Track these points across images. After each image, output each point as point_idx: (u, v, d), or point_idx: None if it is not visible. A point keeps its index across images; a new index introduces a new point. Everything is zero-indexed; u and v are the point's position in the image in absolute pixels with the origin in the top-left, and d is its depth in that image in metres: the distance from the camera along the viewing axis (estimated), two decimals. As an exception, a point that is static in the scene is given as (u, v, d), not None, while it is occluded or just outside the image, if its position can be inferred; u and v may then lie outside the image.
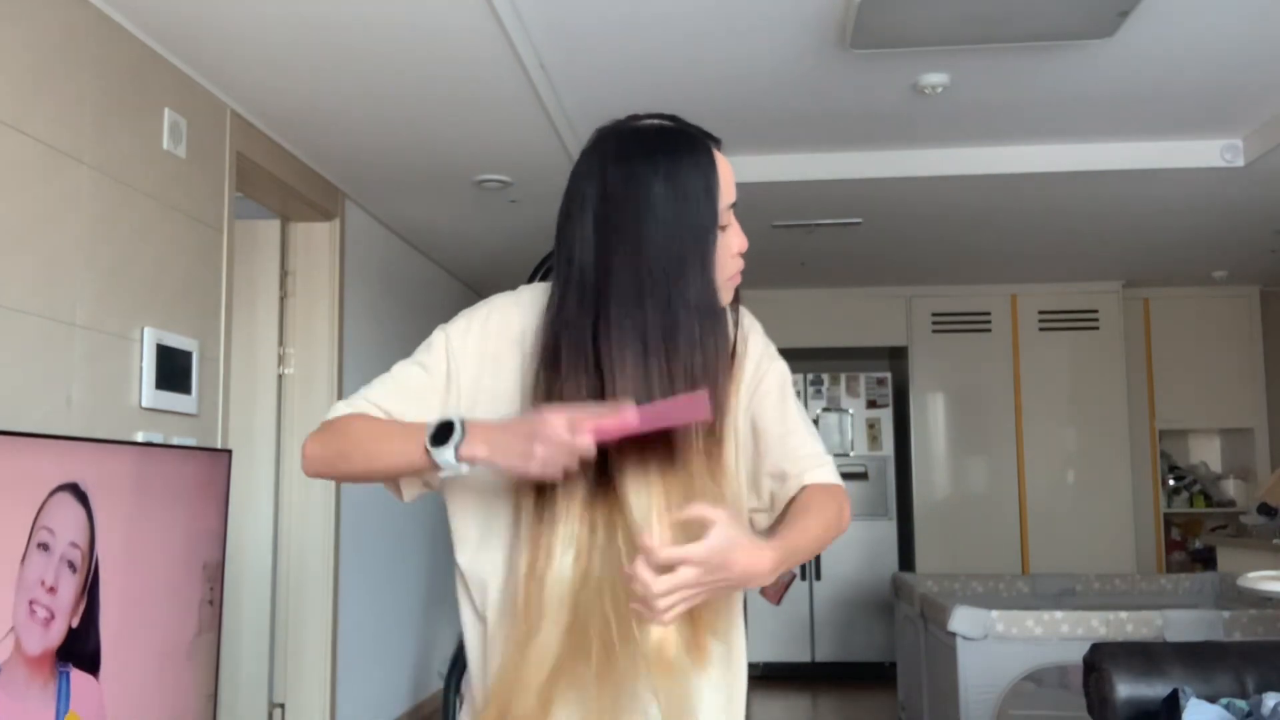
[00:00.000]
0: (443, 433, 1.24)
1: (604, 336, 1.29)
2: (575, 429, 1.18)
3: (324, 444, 1.33)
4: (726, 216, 1.37)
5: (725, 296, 1.37)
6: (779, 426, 1.39)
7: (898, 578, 5.25)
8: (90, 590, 2.27)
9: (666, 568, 1.13)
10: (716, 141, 1.42)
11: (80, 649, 2.23)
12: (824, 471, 1.38)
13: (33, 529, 2.10)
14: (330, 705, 4.33)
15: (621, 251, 1.30)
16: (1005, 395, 6.82)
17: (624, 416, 1.18)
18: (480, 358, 1.39)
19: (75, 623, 2.21)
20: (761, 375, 1.42)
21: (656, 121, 1.39)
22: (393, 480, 1.37)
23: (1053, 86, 3.66)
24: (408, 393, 1.38)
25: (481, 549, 1.36)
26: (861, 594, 6.72)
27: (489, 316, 1.42)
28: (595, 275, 1.31)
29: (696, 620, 1.29)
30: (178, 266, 3.21)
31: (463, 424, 1.24)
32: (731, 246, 1.38)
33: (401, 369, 1.41)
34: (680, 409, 1.22)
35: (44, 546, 2.12)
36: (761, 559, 1.20)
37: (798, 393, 6.70)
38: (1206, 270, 6.46)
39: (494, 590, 1.34)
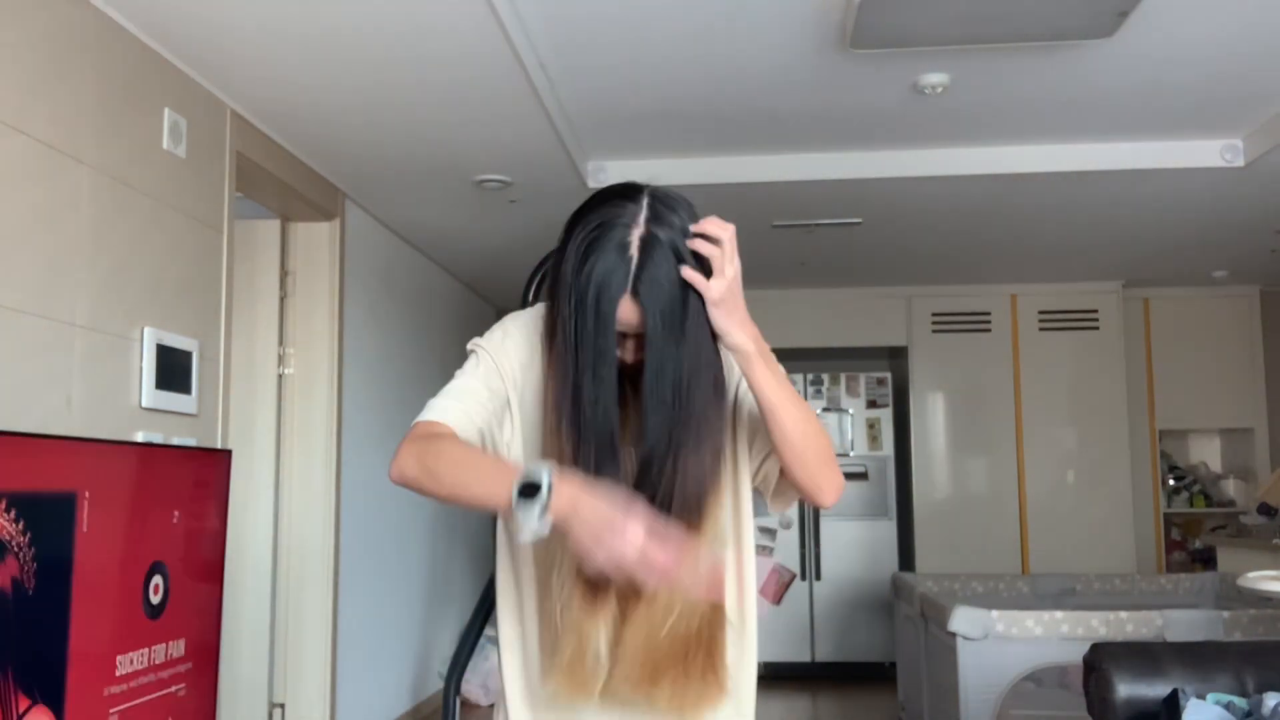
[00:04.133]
0: (530, 489, 1.22)
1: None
2: (649, 551, 1.18)
3: (418, 457, 1.31)
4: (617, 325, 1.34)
5: None
6: None
7: (898, 578, 5.25)
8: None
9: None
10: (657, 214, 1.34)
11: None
12: None
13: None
14: (330, 705, 4.33)
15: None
16: (1005, 395, 6.82)
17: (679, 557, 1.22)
18: (513, 363, 1.46)
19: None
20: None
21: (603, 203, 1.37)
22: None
23: (1053, 86, 3.66)
24: (478, 397, 1.42)
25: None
26: (861, 594, 6.72)
27: (505, 338, 1.47)
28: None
29: (715, 651, 1.35)
30: (178, 266, 3.21)
31: (550, 485, 1.22)
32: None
33: (462, 381, 1.43)
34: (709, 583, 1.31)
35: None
36: (752, 323, 1.34)
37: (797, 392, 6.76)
38: (1206, 270, 6.46)
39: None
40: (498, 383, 1.43)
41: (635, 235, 1.30)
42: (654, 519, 1.22)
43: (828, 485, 1.39)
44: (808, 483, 1.38)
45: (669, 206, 1.33)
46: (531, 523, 1.20)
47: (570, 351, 1.32)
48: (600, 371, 1.32)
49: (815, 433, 1.38)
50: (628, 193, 1.35)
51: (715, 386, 1.37)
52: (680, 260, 1.31)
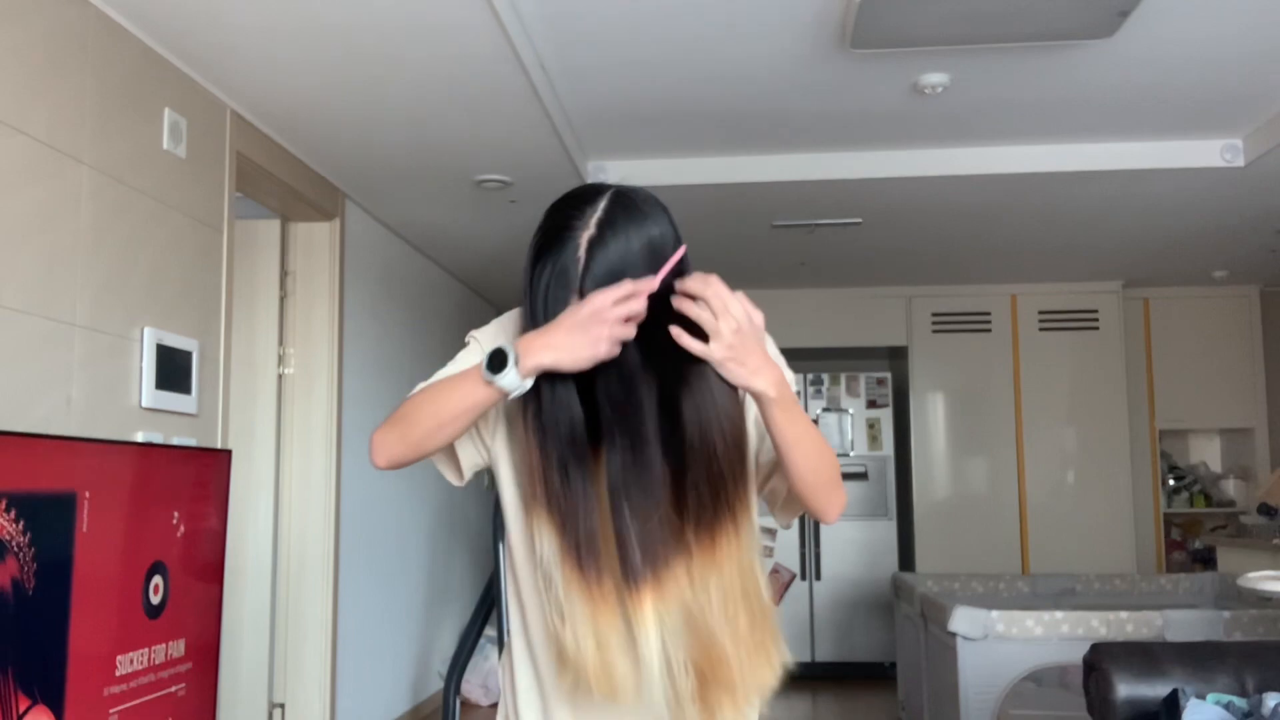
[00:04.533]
0: (497, 360, 1.28)
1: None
2: (622, 302, 1.26)
3: (390, 423, 1.37)
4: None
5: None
6: None
7: (898, 578, 5.25)
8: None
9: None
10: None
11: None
12: None
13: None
14: (330, 705, 4.33)
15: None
16: (1005, 395, 6.82)
17: (650, 284, 1.30)
18: None
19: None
20: None
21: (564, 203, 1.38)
22: (451, 451, 1.44)
23: (1053, 86, 3.66)
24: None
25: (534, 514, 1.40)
26: (861, 594, 6.72)
27: (499, 331, 1.48)
28: None
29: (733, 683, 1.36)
30: (178, 266, 3.21)
31: (513, 347, 1.29)
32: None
33: (450, 367, 1.46)
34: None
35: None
36: (772, 364, 1.30)
37: (798, 393, 6.75)
38: (1206, 270, 6.46)
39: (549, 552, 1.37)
40: None
41: (585, 237, 1.30)
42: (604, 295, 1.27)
43: (833, 507, 1.41)
44: (815, 506, 1.40)
45: (626, 207, 1.32)
46: (510, 377, 1.27)
47: None
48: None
49: (828, 463, 1.38)
50: (588, 194, 1.35)
51: (688, 381, 1.33)
52: (635, 263, 1.30)
